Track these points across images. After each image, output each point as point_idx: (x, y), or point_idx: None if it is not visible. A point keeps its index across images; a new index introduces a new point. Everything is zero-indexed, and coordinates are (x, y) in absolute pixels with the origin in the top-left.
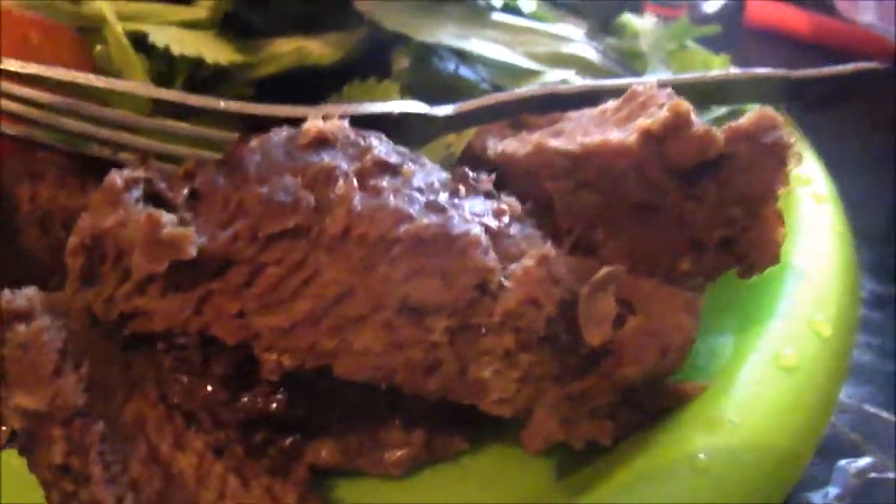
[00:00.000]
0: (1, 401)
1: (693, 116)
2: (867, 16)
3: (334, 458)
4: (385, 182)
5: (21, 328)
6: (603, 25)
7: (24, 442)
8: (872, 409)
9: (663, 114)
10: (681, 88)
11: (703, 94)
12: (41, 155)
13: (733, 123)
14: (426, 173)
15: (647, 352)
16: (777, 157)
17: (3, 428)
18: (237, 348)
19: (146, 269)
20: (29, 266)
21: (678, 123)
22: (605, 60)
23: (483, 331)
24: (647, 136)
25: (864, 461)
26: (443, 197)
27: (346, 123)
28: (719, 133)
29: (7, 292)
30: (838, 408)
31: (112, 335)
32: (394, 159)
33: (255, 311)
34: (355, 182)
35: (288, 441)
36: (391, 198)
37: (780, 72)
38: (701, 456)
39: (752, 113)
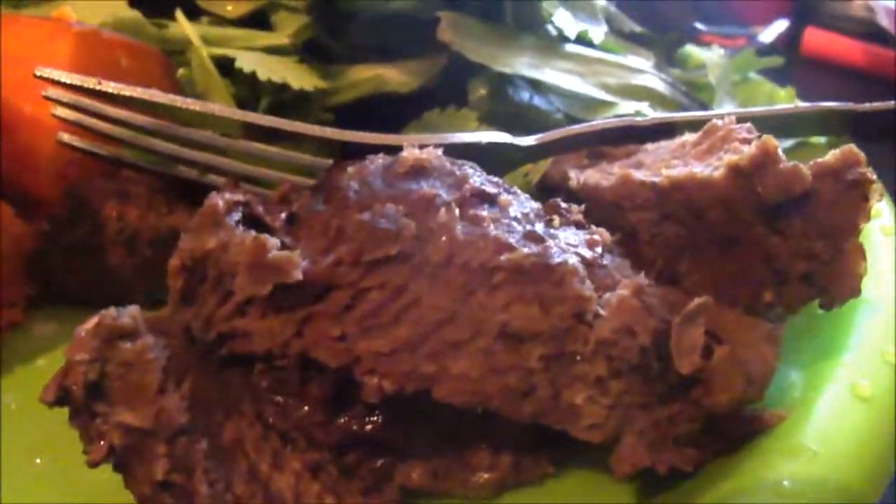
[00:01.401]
0: (99, 416)
1: (780, 153)
2: None
3: (424, 480)
4: (484, 211)
5: (126, 346)
6: (667, 57)
7: (123, 458)
8: None
9: (751, 150)
10: (754, 122)
11: (772, 126)
12: (129, 175)
13: (819, 160)
14: (521, 203)
15: (734, 381)
16: (860, 193)
17: (102, 443)
18: (336, 371)
19: (250, 290)
20: (115, 284)
21: (766, 160)
22: (674, 92)
23: (577, 358)
24: (735, 171)
25: None
26: (539, 227)
27: (440, 152)
28: (806, 169)
29: (111, 310)
30: None
31: (209, 355)
32: (490, 189)
33: (356, 335)
34: (457, 211)
35: (380, 462)
36: (491, 227)
37: (847, 105)
38: (785, 483)
39: (837, 151)
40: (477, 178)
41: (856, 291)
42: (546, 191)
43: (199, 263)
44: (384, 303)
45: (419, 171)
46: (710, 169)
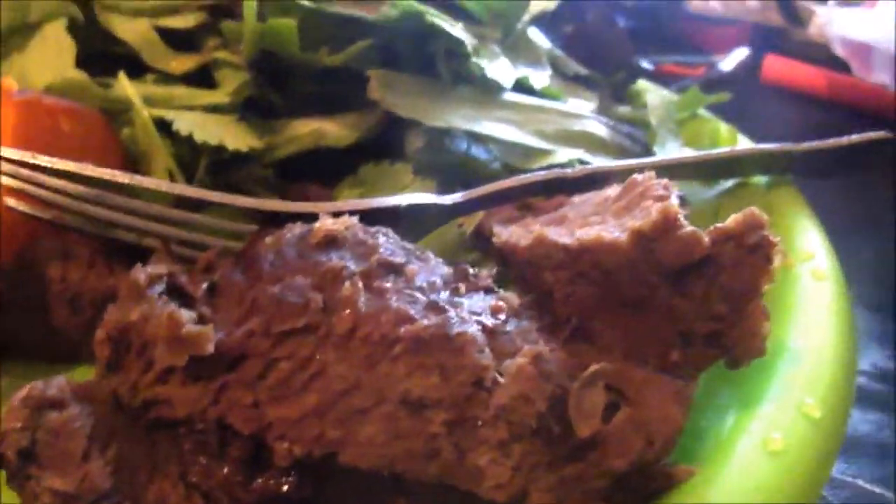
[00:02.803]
0: (33, 479)
1: (681, 218)
2: (881, 76)
3: None
4: (389, 283)
5: (53, 416)
6: (615, 96)
7: None
8: (867, 486)
9: (653, 216)
10: (688, 166)
11: (711, 169)
12: (73, 236)
13: (719, 225)
14: (429, 271)
15: (633, 442)
16: (762, 256)
17: None
18: (252, 437)
19: (167, 361)
20: (60, 342)
21: (666, 226)
22: (615, 135)
23: (479, 423)
24: (637, 236)
25: None
26: (443, 296)
27: (355, 220)
28: (705, 235)
29: (39, 382)
30: (831, 483)
31: (137, 420)
32: (398, 259)
33: (267, 402)
34: (360, 284)
35: None
36: (394, 299)
37: (786, 146)
38: None
39: (738, 214)
40: (388, 247)
41: (760, 352)
42: (481, 239)
43: (124, 334)
44: (293, 372)
45: (330, 241)
46: (617, 231)
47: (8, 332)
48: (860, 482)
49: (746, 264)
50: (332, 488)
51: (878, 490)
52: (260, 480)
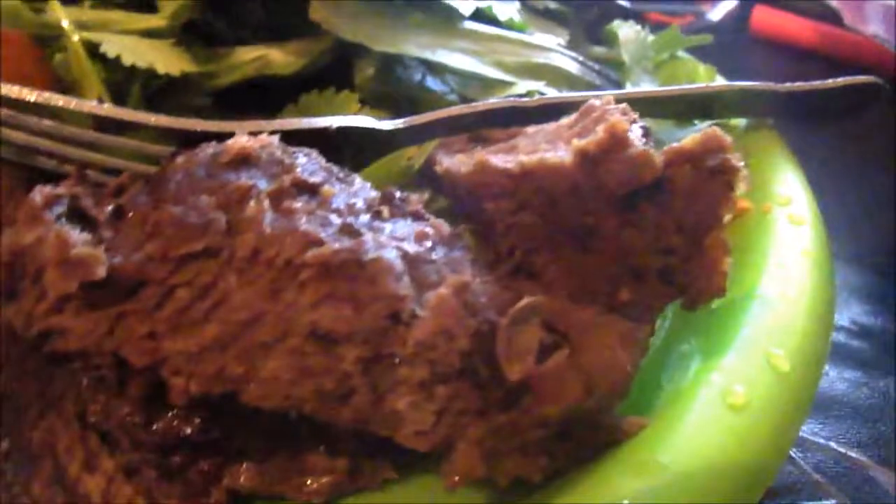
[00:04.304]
0: None
1: (632, 137)
2: (873, 27)
3: (253, 483)
4: (300, 203)
5: None
6: (588, 34)
7: None
8: (841, 449)
9: (599, 134)
10: (660, 102)
11: (687, 107)
12: None
13: (675, 145)
14: (350, 194)
15: (570, 388)
16: (722, 182)
17: None
18: (148, 371)
19: (58, 288)
20: None
21: (614, 144)
22: (585, 71)
23: (397, 361)
24: (582, 156)
25: None
26: (363, 219)
27: (275, 140)
28: (658, 155)
29: None
30: (803, 446)
31: (32, 351)
32: (315, 179)
33: (165, 333)
34: (266, 203)
35: (206, 464)
36: (303, 220)
37: (768, 85)
38: (625, 502)
39: (697, 134)
40: (307, 167)
41: (720, 291)
42: (432, 175)
43: (18, 259)
44: (192, 301)
45: (243, 160)
46: (561, 153)
47: None
48: (833, 444)
49: (704, 191)
50: (242, 433)
51: (853, 454)
52: (163, 421)
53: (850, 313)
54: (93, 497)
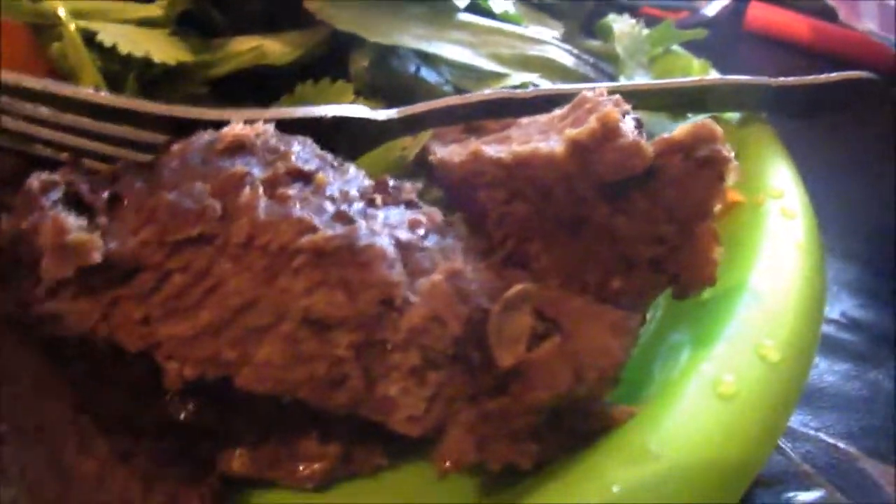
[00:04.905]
0: None
1: (623, 127)
2: (868, 23)
3: (246, 468)
4: (294, 190)
5: None
6: (582, 27)
7: None
8: (830, 440)
9: (591, 124)
10: (653, 94)
11: (681, 101)
12: None
13: (665, 135)
14: (344, 182)
15: (560, 375)
16: (713, 172)
17: None
18: (142, 356)
19: (54, 273)
20: None
21: (605, 134)
22: (580, 64)
23: (389, 347)
24: (574, 146)
25: (814, 494)
26: (356, 207)
27: (270, 128)
28: (649, 145)
29: None
30: (792, 436)
31: (28, 338)
32: (309, 166)
33: (159, 318)
34: (261, 190)
35: (199, 450)
36: (297, 207)
37: (762, 79)
38: (615, 489)
39: (688, 124)
40: (302, 155)
41: (710, 280)
42: (426, 165)
43: (14, 244)
44: (187, 286)
45: (238, 148)
46: (553, 143)
47: None
48: (822, 436)
49: (695, 180)
50: (235, 418)
51: (842, 445)
52: (157, 406)
53: (841, 306)
54: (88, 481)
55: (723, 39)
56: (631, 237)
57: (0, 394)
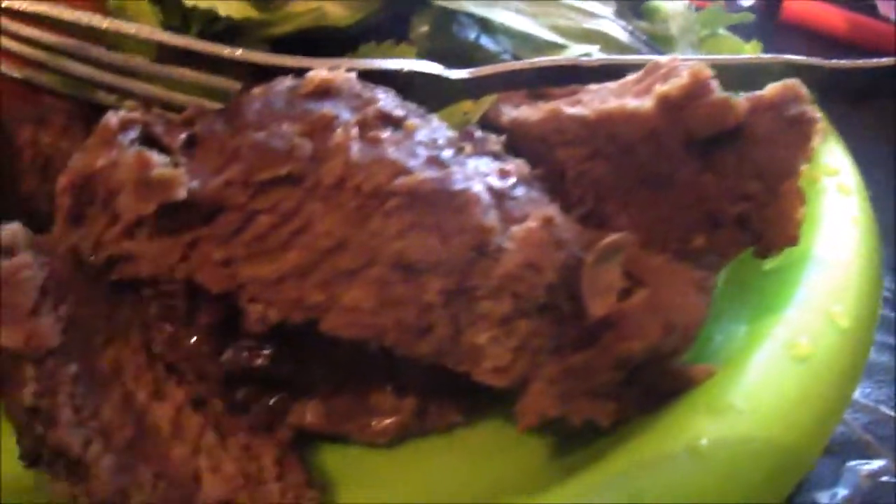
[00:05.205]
0: None
1: (714, 84)
2: None
3: (319, 421)
4: (386, 134)
5: (2, 262)
6: (633, 7)
7: (1, 381)
8: (889, 412)
9: (683, 79)
10: (712, 70)
11: (733, 77)
12: (47, 100)
13: (756, 93)
14: (432, 129)
15: (651, 327)
16: (800, 132)
17: None
18: (224, 298)
19: (135, 210)
20: (29, 210)
21: (697, 90)
22: (633, 40)
23: (479, 294)
24: (664, 101)
25: (876, 464)
26: (447, 153)
27: (353, 75)
28: (740, 102)
29: None
30: (853, 407)
31: (99, 278)
32: (398, 112)
33: (242, 259)
34: (354, 131)
35: (272, 399)
36: (390, 149)
37: (815, 60)
38: (703, 442)
39: (777, 84)
40: (387, 101)
41: (793, 239)
42: (489, 129)
43: (89, 182)
44: (273, 227)
45: (324, 92)
46: (640, 101)
47: None
48: (883, 408)
49: (783, 139)
50: (312, 368)
51: None
52: (230, 353)
53: (890, 285)
54: (162, 426)
55: (759, 30)
56: (718, 194)
57: (70, 334)
